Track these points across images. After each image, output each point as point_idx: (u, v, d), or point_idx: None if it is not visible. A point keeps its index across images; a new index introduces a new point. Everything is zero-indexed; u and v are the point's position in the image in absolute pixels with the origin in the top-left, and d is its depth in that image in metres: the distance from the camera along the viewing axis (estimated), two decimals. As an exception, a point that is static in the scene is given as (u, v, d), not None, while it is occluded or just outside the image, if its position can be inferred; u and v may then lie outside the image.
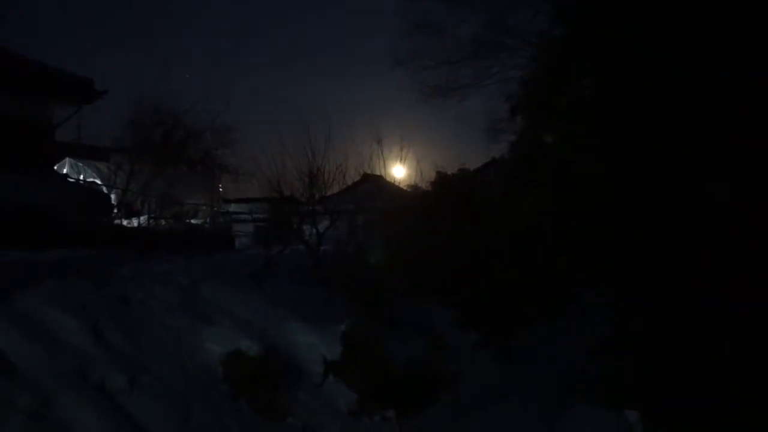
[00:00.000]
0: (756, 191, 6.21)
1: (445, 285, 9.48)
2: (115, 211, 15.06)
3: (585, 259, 8.16)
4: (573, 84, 8.75)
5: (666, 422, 5.48)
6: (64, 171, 16.22)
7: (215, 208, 19.17)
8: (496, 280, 9.03)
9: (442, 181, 12.92)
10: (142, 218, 15.39)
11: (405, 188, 15.04)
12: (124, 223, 14.98)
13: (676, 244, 6.71)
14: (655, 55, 7.10)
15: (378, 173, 14.51)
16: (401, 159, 15.07)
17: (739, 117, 6.42)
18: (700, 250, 6.43)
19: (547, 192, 8.74)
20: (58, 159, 15.96)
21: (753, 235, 6.06)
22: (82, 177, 16.18)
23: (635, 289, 7.27)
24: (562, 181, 8.50)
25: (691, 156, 6.67)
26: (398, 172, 15.98)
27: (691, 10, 6.87)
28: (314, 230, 10.28)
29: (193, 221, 17.17)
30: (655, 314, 6.63)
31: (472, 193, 11.75)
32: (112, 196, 15.53)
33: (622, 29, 7.47)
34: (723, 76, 6.54)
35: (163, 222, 15.79)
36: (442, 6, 11.95)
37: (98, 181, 16.14)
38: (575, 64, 8.45)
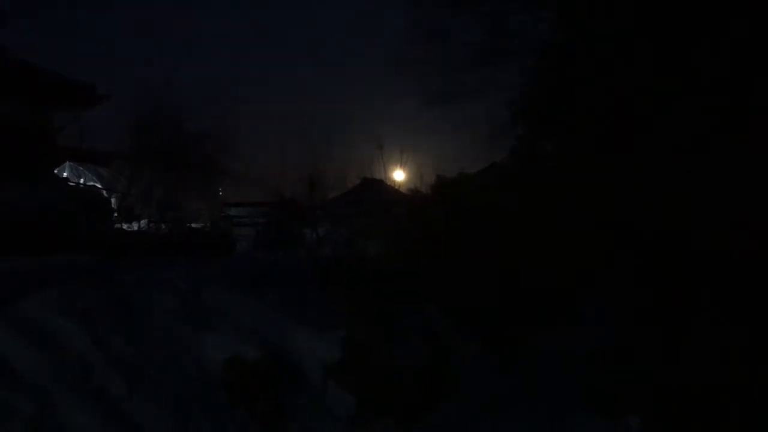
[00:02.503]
0: (755, 197, 6.23)
1: (447, 290, 9.45)
2: (116, 215, 15.05)
3: (586, 264, 8.15)
4: (574, 90, 8.76)
5: (667, 429, 5.47)
6: (65, 175, 16.24)
7: (216, 213, 19.14)
8: (497, 286, 9.01)
9: (442, 185, 12.92)
10: (142, 222, 15.38)
11: (405, 192, 15.05)
12: (125, 227, 14.97)
13: (677, 248, 6.71)
14: (658, 58, 7.12)
15: (378, 177, 14.53)
16: (401, 163, 15.11)
17: (741, 123, 6.44)
18: (700, 255, 6.44)
19: (548, 197, 8.74)
20: (59, 163, 15.99)
21: (752, 240, 6.07)
22: (82, 181, 16.20)
23: (636, 294, 7.27)
24: (562, 185, 8.50)
25: (693, 161, 6.68)
26: (398, 176, 16.02)
27: (694, 22, 6.90)
28: (315, 234, 10.29)
29: (193, 225, 17.15)
30: (655, 319, 6.63)
31: (473, 197, 11.74)
32: (113, 200, 15.54)
33: (624, 35, 7.49)
34: (724, 76, 6.57)
35: (163, 226, 15.79)
36: (445, 12, 11.93)
37: (99, 185, 16.16)
38: (577, 70, 8.47)
